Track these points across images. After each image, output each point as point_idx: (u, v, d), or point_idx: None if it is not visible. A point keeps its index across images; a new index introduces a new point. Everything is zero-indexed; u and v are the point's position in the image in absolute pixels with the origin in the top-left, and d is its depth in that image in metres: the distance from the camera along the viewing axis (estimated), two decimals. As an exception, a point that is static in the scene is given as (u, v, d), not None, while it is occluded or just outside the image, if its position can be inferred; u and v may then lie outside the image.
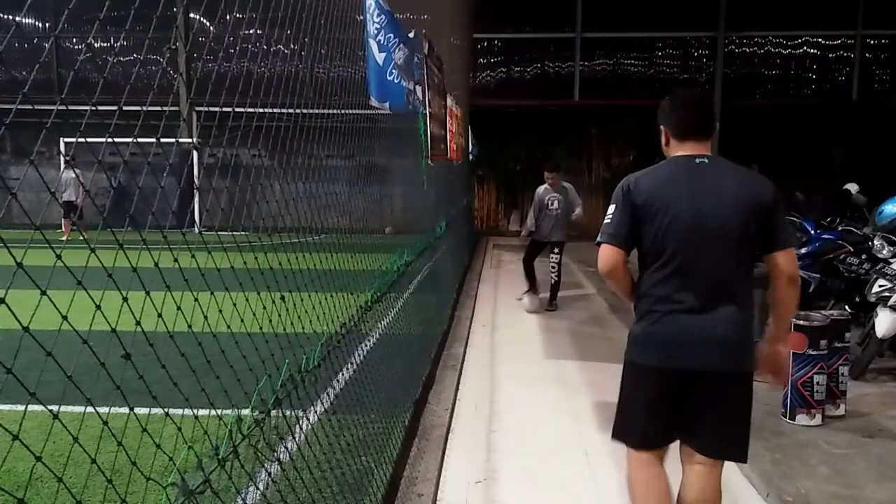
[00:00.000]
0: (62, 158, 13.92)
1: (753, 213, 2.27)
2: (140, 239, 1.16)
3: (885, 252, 5.34)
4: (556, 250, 7.72)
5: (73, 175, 13.28)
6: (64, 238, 12.29)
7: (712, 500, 2.37)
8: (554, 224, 7.69)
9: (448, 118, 6.36)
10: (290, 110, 1.93)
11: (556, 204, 7.67)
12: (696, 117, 2.43)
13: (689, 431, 2.37)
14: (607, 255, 2.37)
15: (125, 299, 1.13)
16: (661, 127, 2.49)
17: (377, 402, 3.00)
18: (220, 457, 1.43)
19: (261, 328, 1.62)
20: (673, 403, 2.34)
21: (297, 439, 1.87)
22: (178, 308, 1.25)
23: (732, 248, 2.27)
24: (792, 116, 15.47)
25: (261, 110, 1.70)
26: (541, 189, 7.85)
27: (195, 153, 13.75)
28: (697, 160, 2.35)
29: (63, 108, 1.10)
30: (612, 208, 2.41)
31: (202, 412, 1.43)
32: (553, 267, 7.72)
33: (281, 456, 1.74)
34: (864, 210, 7.48)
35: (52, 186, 1.29)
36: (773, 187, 2.36)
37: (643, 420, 2.39)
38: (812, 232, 6.38)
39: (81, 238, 1.02)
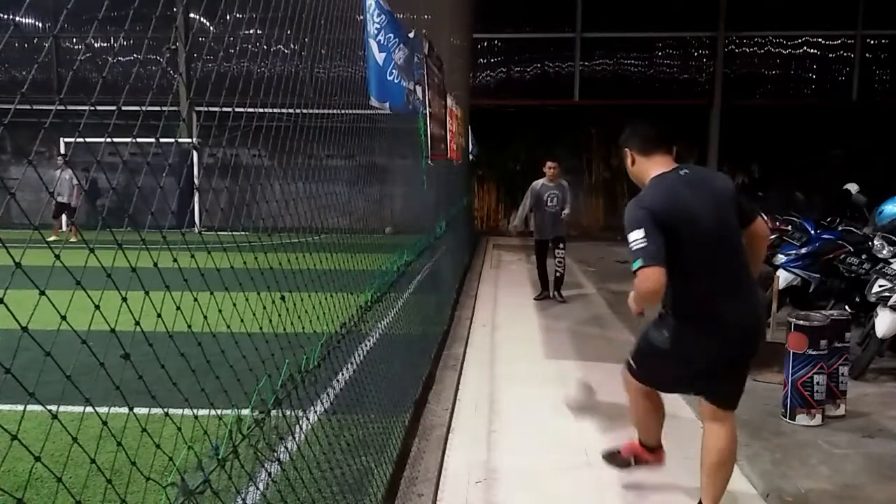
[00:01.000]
0: (59, 159, 13.76)
1: (732, 203, 2.62)
2: (139, 239, 1.16)
3: (885, 252, 5.34)
4: (561, 245, 7.96)
5: (68, 177, 13.19)
6: (52, 238, 12.25)
7: (734, 440, 2.81)
8: (553, 221, 7.90)
9: (448, 118, 6.36)
10: (290, 110, 1.93)
11: (554, 201, 7.87)
12: (657, 130, 2.72)
13: (713, 392, 2.75)
14: (656, 276, 2.38)
15: (124, 299, 1.13)
16: (626, 150, 2.76)
17: (377, 402, 3.00)
18: (220, 457, 1.43)
19: (261, 328, 1.62)
20: (703, 381, 2.76)
21: (297, 439, 1.87)
22: (178, 308, 1.25)
23: (736, 238, 2.62)
24: (792, 116, 15.46)
25: (261, 110, 1.70)
26: (537, 184, 7.99)
27: (195, 153, 13.74)
28: (682, 172, 2.62)
29: (63, 108, 1.10)
30: (640, 232, 2.42)
31: (202, 412, 1.43)
32: (559, 262, 7.96)
33: (281, 456, 1.74)
34: (864, 210, 7.48)
35: (48, 187, 1.29)
36: (729, 176, 2.80)
37: (673, 383, 2.94)
38: (812, 232, 6.38)
39: (75, 240, 1.02)
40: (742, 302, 2.59)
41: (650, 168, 2.65)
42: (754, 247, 2.74)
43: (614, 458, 3.27)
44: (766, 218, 7.77)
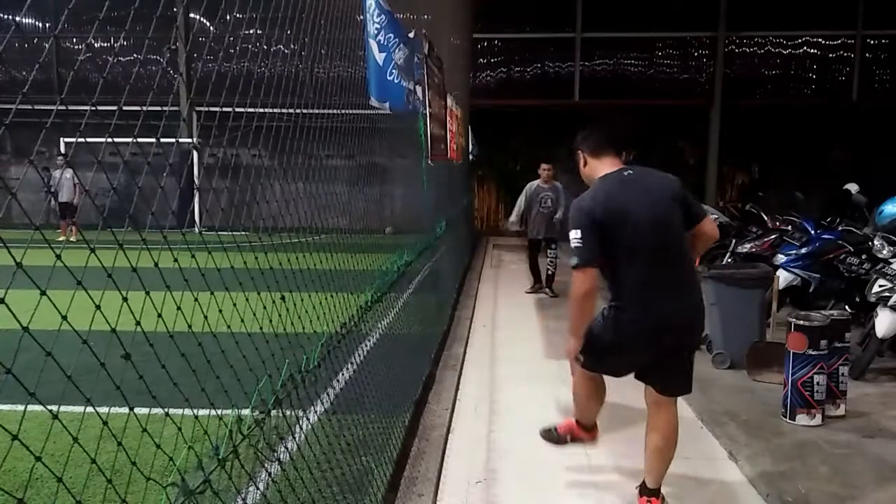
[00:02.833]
0: (59, 158, 13.78)
1: (677, 203, 2.74)
2: (140, 239, 1.16)
3: (885, 252, 5.34)
4: (553, 246, 8.23)
5: (69, 175, 13.22)
6: (61, 238, 12.30)
7: (675, 426, 2.91)
8: (546, 222, 8.12)
9: (448, 118, 6.36)
10: (290, 110, 1.93)
11: (548, 202, 8.14)
12: (607, 134, 2.86)
13: (655, 380, 2.89)
14: (587, 278, 2.70)
15: (125, 299, 1.13)
16: (579, 152, 2.91)
17: (377, 402, 3.00)
18: (220, 457, 1.43)
19: (261, 328, 1.62)
20: (645, 367, 2.89)
21: (297, 439, 1.87)
22: (178, 308, 1.25)
23: (676, 237, 2.73)
24: (792, 116, 15.46)
25: (261, 110, 1.70)
26: (532, 185, 8.26)
27: (195, 153, 13.73)
28: (625, 173, 2.77)
29: (63, 108, 1.10)
30: (577, 233, 2.69)
31: (202, 412, 1.43)
32: (551, 262, 8.27)
33: (281, 456, 1.74)
34: (864, 210, 7.48)
35: (49, 187, 1.29)
36: (678, 178, 2.86)
37: (616, 367, 2.99)
38: (812, 232, 6.37)
39: (75, 240, 1.02)
40: (676, 296, 2.73)
41: (599, 169, 2.84)
42: (697, 242, 2.89)
43: (550, 434, 3.42)
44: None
